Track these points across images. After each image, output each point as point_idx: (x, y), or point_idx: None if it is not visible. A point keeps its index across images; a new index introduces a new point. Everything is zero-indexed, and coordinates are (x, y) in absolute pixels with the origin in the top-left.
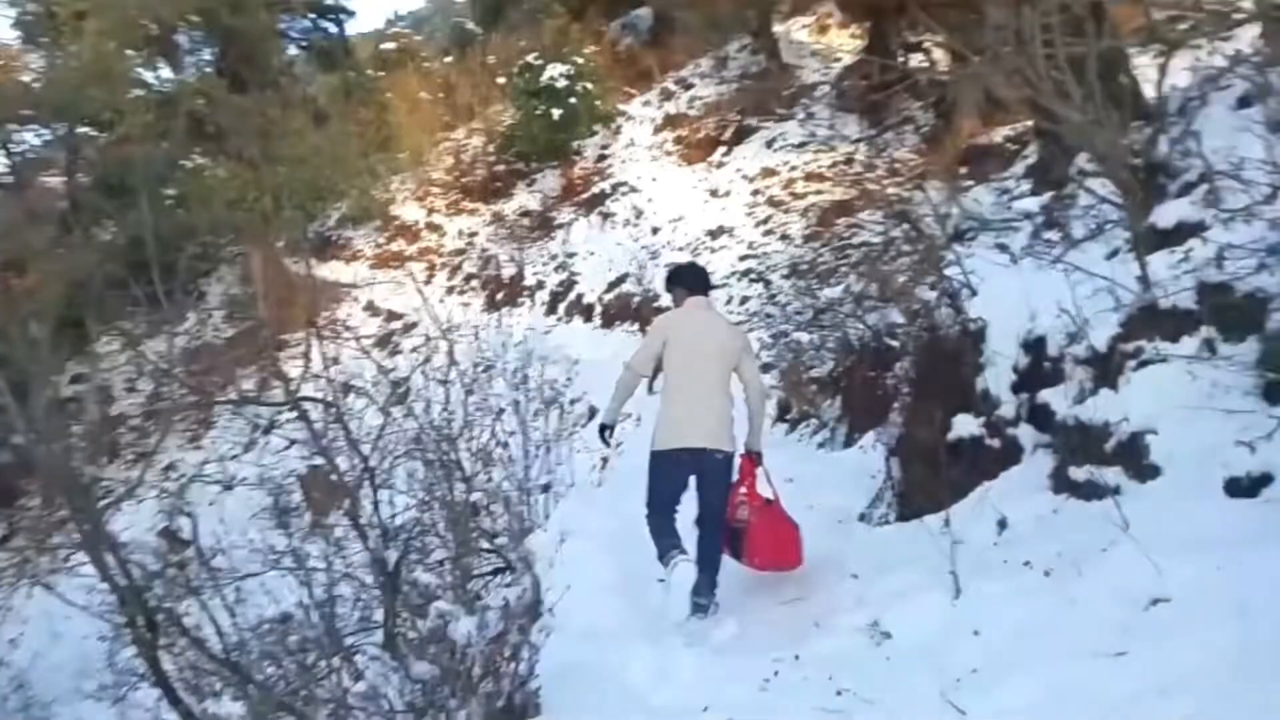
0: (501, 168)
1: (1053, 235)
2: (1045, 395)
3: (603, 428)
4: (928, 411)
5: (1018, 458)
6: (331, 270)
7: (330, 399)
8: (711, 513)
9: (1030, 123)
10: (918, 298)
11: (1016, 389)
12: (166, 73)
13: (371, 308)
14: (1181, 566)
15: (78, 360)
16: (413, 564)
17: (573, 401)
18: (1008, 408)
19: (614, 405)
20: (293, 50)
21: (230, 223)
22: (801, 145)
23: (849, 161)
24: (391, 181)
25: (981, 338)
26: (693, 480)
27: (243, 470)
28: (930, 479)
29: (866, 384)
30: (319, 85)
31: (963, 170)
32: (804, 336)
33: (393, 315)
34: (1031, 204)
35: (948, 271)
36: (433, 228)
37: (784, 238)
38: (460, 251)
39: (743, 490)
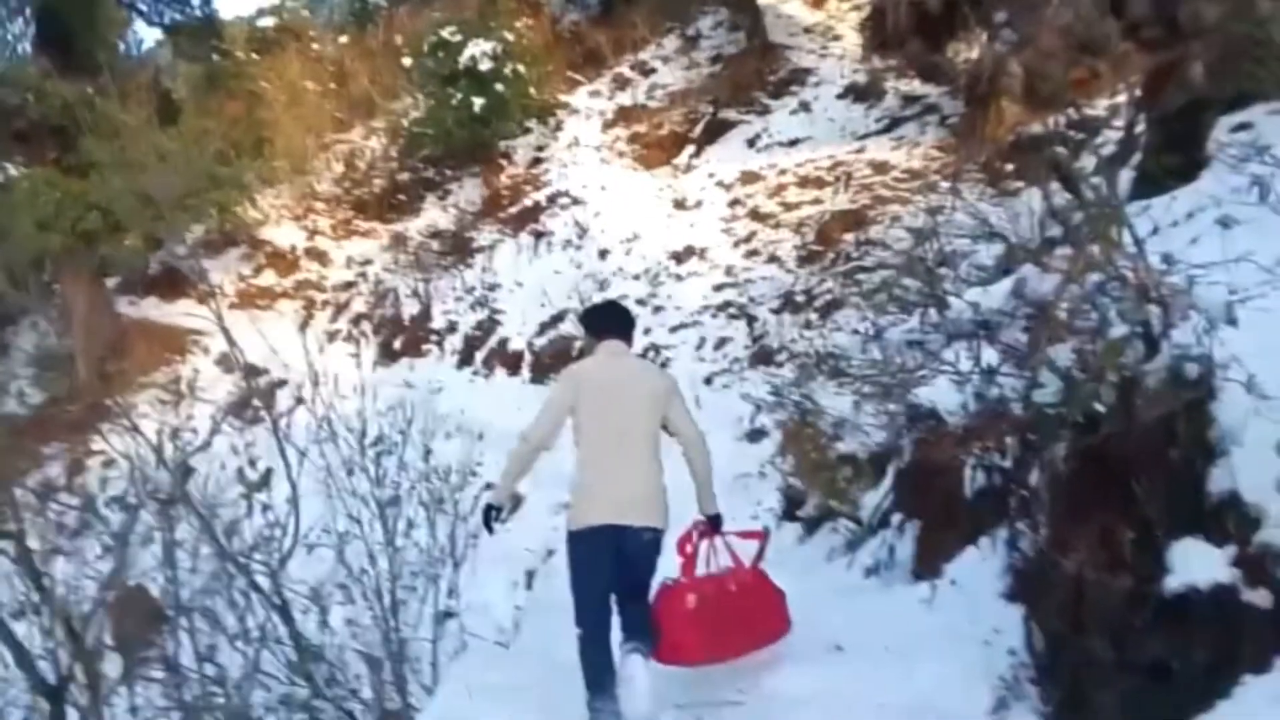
0: (406, 176)
1: None
2: None
3: (488, 509)
4: (1102, 528)
5: None
6: (178, 312)
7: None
8: (638, 591)
9: (1105, 103)
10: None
11: None
12: None
13: (226, 361)
14: None
15: None
16: None
17: (478, 496)
18: None
19: (505, 483)
20: (143, 27)
21: (45, 250)
22: (794, 143)
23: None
24: (263, 195)
25: (1209, 393)
26: None
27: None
28: (1121, 662)
29: (949, 469)
30: (181, 74)
31: (1008, 168)
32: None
33: (254, 370)
34: None
35: (1140, 275)
36: (314, 254)
37: (773, 260)
38: (349, 285)
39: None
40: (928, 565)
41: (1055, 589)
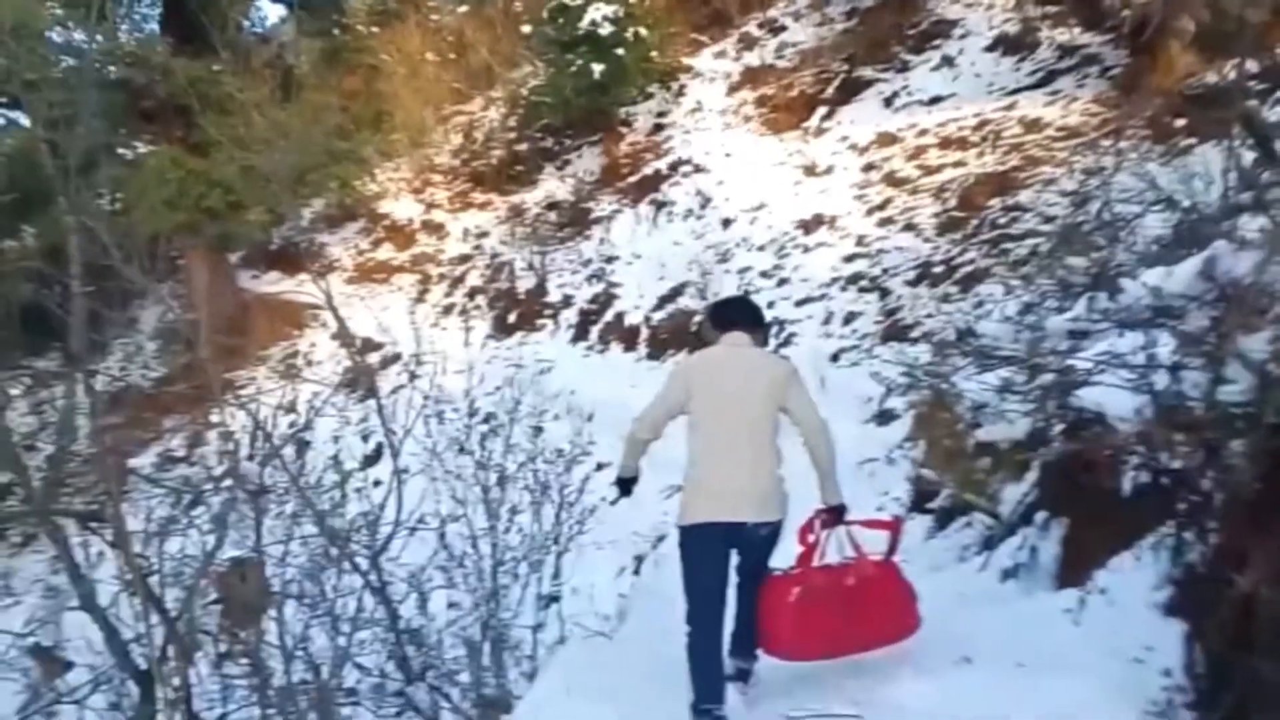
0: (524, 146)
1: None
2: None
3: (620, 481)
4: None
5: None
6: (297, 286)
7: None
8: (757, 571)
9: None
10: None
11: None
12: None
13: (344, 335)
14: None
15: None
16: None
17: (586, 479)
18: None
19: (628, 462)
20: (268, 4)
21: (168, 226)
22: (935, 101)
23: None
24: (382, 169)
25: None
26: None
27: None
28: None
29: (1106, 464)
30: (303, 50)
31: (1178, 123)
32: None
33: (369, 345)
34: None
35: None
36: (431, 227)
37: (909, 228)
38: (465, 258)
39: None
40: (1074, 570)
41: (1222, 605)
